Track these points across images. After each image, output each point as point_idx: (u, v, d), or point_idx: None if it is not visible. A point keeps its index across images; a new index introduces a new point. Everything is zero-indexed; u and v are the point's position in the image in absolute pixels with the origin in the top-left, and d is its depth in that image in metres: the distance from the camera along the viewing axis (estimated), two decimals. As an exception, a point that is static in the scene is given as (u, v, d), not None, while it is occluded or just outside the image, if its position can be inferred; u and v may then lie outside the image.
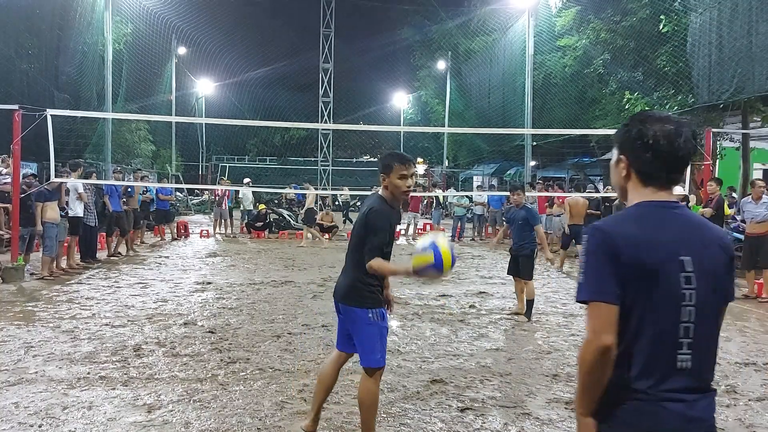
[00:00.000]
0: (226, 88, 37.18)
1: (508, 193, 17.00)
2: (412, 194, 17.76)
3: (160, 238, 14.58)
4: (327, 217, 16.80)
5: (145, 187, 12.80)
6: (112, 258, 11.20)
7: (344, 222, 19.84)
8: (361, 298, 3.32)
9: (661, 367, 1.65)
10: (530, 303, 6.96)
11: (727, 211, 9.50)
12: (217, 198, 16.46)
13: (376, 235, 3.25)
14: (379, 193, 3.49)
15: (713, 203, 9.32)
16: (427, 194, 22.90)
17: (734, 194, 14.00)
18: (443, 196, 21.30)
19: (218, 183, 22.15)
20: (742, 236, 9.86)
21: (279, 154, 38.71)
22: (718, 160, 15.12)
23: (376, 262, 3.24)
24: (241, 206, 17.30)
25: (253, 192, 18.11)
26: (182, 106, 31.50)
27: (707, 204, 9.49)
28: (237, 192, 18.70)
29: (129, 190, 12.41)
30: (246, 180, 20.45)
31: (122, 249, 11.82)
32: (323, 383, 3.55)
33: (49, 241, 8.92)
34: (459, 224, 16.70)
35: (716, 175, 12.81)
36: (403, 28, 36.84)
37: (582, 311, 7.21)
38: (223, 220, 16.68)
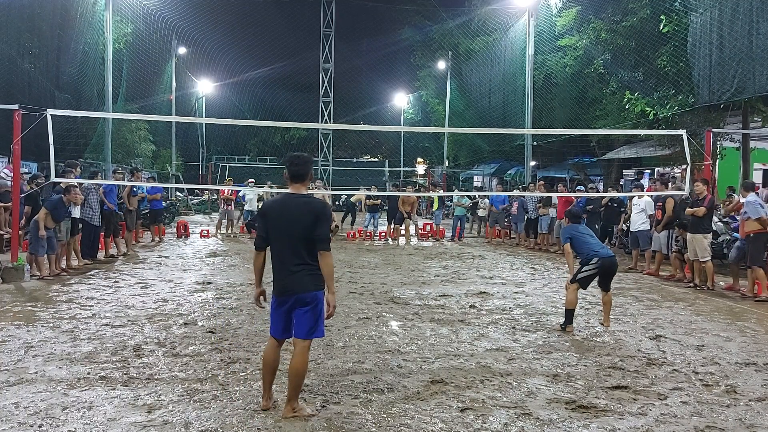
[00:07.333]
0: (226, 88, 37.21)
1: (510, 193, 17.18)
2: (406, 195, 17.61)
3: (158, 239, 14.56)
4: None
5: (136, 186, 12.73)
6: (109, 259, 11.18)
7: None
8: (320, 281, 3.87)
9: None
10: (566, 312, 6.50)
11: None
12: (224, 198, 16.39)
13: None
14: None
15: (705, 202, 9.25)
16: (423, 194, 22.88)
17: (734, 194, 14.01)
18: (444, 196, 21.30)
19: (224, 183, 22.15)
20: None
21: (279, 154, 38.73)
22: (718, 160, 15.11)
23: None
24: (243, 206, 17.28)
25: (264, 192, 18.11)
26: (182, 106, 31.49)
27: (698, 204, 9.34)
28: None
29: (134, 189, 12.43)
30: (249, 180, 20.45)
31: (113, 251, 11.75)
32: (272, 366, 4.00)
33: (41, 242, 8.88)
34: (459, 224, 16.72)
35: (716, 176, 12.81)
36: (403, 28, 36.86)
37: (581, 311, 7.21)
38: (229, 221, 16.66)
